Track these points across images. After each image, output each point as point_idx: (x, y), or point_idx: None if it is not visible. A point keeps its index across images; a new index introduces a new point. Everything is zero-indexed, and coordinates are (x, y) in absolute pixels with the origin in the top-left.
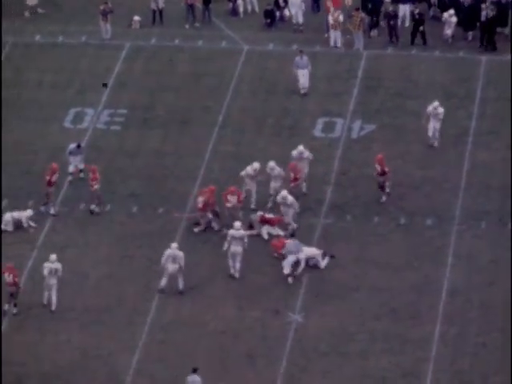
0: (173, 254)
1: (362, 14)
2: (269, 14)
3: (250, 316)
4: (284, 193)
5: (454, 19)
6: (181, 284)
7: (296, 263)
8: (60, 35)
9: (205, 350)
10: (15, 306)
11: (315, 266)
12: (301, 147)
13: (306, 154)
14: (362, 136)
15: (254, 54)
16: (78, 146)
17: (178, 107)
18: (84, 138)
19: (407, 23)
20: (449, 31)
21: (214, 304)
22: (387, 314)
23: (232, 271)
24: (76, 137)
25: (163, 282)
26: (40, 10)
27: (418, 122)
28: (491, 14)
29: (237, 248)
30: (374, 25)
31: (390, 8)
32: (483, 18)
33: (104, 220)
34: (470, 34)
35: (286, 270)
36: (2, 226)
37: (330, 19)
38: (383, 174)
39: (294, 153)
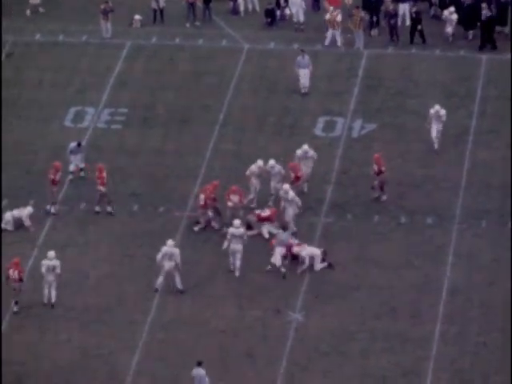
0: (169, 251)
1: (362, 13)
2: (269, 13)
3: (251, 315)
4: (286, 186)
5: (455, 17)
6: (178, 282)
7: (285, 256)
8: (60, 34)
9: (205, 349)
10: (16, 303)
11: (311, 266)
12: (305, 146)
13: (311, 153)
14: (362, 135)
15: (254, 53)
16: (79, 145)
17: (179, 106)
18: (84, 137)
19: (407, 22)
20: (449, 29)
21: (215, 303)
22: (387, 313)
23: (232, 268)
24: (76, 136)
25: (160, 280)
26: (41, 10)
27: (419, 121)
28: (489, 13)
29: (237, 246)
30: (374, 24)
31: (391, 7)
32: (483, 18)
33: (104, 219)
34: (471, 34)
35: (278, 263)
36: (3, 225)
37: (327, 18)
38: (380, 173)
39: (299, 152)
